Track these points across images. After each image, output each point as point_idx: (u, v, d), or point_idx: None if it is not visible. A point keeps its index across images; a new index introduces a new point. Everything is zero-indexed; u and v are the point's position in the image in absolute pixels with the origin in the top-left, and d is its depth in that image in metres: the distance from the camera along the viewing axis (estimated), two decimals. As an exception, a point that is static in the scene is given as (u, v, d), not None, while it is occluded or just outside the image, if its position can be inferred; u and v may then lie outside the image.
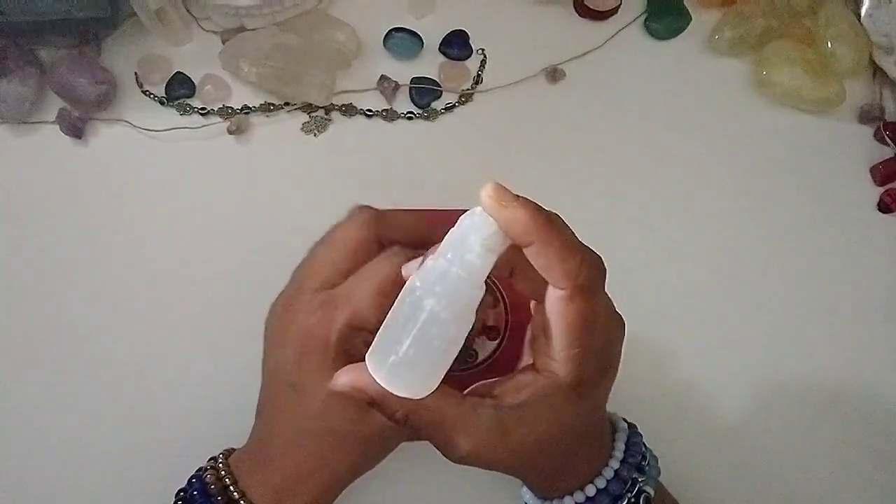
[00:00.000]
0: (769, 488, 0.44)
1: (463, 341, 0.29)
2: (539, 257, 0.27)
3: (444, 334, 0.28)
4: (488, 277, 0.44)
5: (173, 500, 0.33)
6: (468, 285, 0.27)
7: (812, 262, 0.48)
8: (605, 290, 0.30)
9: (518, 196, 0.27)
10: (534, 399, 0.30)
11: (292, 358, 0.33)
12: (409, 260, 0.31)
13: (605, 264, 0.32)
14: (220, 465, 0.34)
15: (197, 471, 0.34)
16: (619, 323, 0.32)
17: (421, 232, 0.34)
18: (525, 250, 0.28)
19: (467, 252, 0.27)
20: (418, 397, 0.29)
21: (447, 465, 0.43)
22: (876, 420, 0.45)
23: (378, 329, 0.30)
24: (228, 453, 0.35)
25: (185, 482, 0.34)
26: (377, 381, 0.28)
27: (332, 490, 0.34)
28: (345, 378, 0.30)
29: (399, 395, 0.28)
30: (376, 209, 0.34)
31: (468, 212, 0.28)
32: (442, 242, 0.28)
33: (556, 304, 0.28)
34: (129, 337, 0.44)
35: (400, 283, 0.30)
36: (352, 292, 0.32)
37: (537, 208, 0.27)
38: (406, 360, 0.28)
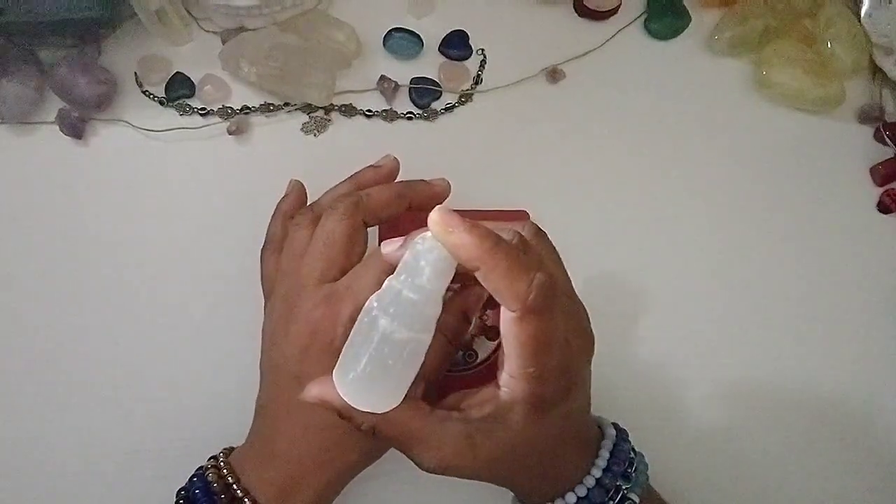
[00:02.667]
0: (765, 491, 0.44)
1: (423, 357, 0.29)
2: (487, 281, 0.27)
3: (398, 353, 0.28)
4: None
5: (174, 499, 0.33)
6: (421, 307, 0.28)
7: (812, 263, 0.48)
8: (562, 309, 0.30)
9: (466, 221, 0.27)
10: (497, 413, 0.30)
11: (298, 351, 0.33)
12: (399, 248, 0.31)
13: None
14: (222, 463, 0.34)
15: (198, 469, 0.34)
16: (583, 340, 0.32)
17: (400, 206, 0.35)
18: (476, 273, 0.28)
19: (418, 276, 0.28)
20: (381, 412, 0.29)
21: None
22: (876, 420, 0.45)
23: None
24: (228, 452, 0.35)
25: (186, 481, 0.34)
26: (341, 394, 0.29)
27: (334, 485, 0.34)
28: (314, 391, 0.30)
29: (361, 408, 0.29)
30: (354, 196, 0.34)
31: (420, 235, 0.28)
32: (400, 261, 0.29)
33: (508, 325, 0.28)
34: (129, 337, 0.44)
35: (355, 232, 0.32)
36: (354, 283, 0.33)
37: (485, 233, 0.27)
38: (364, 376, 0.28)
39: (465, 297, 0.34)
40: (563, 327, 0.30)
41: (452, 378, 0.43)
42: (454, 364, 0.43)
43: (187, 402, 0.43)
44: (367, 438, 0.32)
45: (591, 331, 0.33)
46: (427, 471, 0.31)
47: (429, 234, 0.28)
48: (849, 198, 0.50)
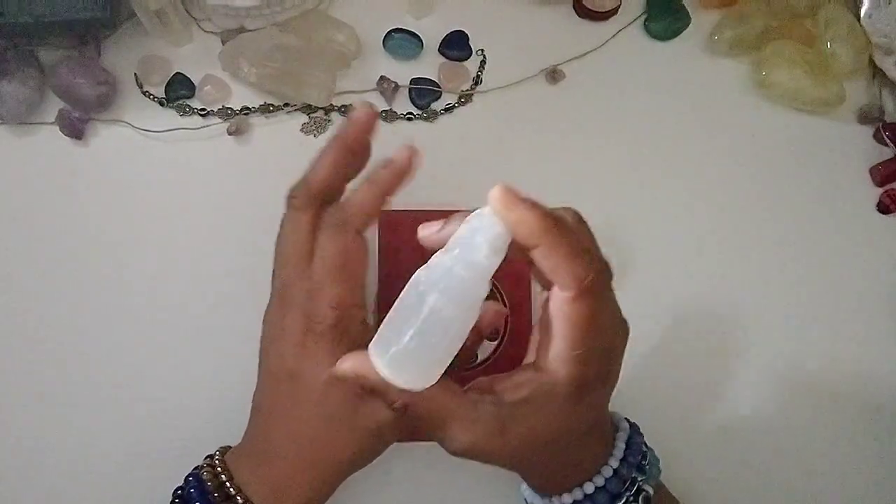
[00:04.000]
0: (771, 488, 0.44)
1: (465, 338, 0.29)
2: (546, 259, 0.27)
3: (445, 330, 0.28)
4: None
5: (171, 499, 0.33)
6: (472, 284, 0.28)
7: (811, 263, 0.48)
8: (612, 293, 0.30)
9: (526, 199, 0.27)
10: (532, 397, 0.30)
11: (292, 347, 0.33)
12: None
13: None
14: (217, 461, 0.34)
15: (194, 469, 0.34)
16: (623, 328, 0.32)
17: (346, 173, 0.35)
18: (532, 253, 0.28)
19: (473, 252, 0.27)
20: (418, 389, 0.29)
21: (445, 467, 0.43)
22: (876, 420, 0.45)
23: (359, 305, 0.32)
24: (225, 451, 0.35)
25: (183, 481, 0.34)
26: (378, 369, 0.29)
27: (328, 483, 0.34)
28: (347, 364, 0.30)
29: (398, 384, 0.29)
30: (305, 186, 0.34)
31: (477, 211, 0.28)
32: (451, 238, 0.28)
33: (561, 305, 0.28)
34: (129, 337, 0.44)
35: (351, 250, 0.32)
36: (321, 276, 0.33)
37: (545, 212, 0.27)
38: (407, 351, 0.28)
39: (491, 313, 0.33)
40: (610, 313, 0.30)
41: (452, 378, 0.43)
42: (454, 364, 0.43)
43: (187, 401, 0.43)
44: (361, 434, 0.32)
45: (626, 320, 0.33)
46: (453, 453, 0.31)
47: (486, 209, 0.27)
48: (849, 198, 0.50)
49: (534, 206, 0.27)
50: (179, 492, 0.33)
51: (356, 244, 0.33)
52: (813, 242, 0.48)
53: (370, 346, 0.29)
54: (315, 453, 0.33)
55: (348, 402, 0.32)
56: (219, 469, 0.33)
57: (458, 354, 0.31)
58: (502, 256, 0.28)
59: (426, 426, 0.31)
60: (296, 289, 0.33)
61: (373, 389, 0.29)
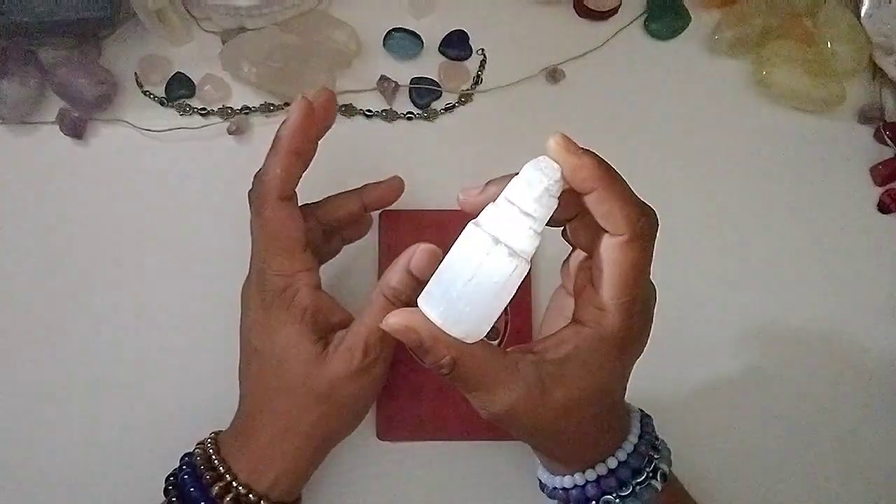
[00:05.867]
0: (773, 484, 0.44)
1: (514, 292, 0.29)
2: (602, 203, 0.28)
3: (501, 279, 0.28)
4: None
5: (164, 485, 0.35)
6: (529, 227, 0.28)
7: (812, 263, 0.48)
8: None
9: (581, 147, 0.28)
10: (577, 352, 0.30)
11: (251, 322, 0.35)
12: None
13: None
14: (209, 441, 0.35)
15: (185, 454, 0.36)
16: (653, 288, 0.32)
17: (354, 203, 0.38)
18: (586, 197, 0.28)
19: (532, 197, 0.28)
20: (470, 340, 0.29)
21: (445, 467, 0.43)
22: (877, 419, 0.45)
23: (305, 270, 0.34)
24: (217, 433, 0.37)
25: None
26: (432, 319, 0.29)
27: (304, 453, 0.35)
28: (396, 318, 0.29)
29: (453, 333, 0.29)
30: (260, 187, 0.35)
31: (533, 160, 0.29)
32: (504, 189, 0.29)
33: (612, 250, 0.29)
34: (129, 336, 0.44)
35: (275, 219, 0.34)
36: (259, 251, 0.36)
37: (600, 157, 0.28)
38: (464, 297, 0.28)
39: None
40: (650, 265, 0.30)
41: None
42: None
43: (188, 401, 0.43)
44: (319, 401, 0.33)
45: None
46: (492, 416, 0.31)
47: (542, 157, 0.28)
48: (849, 198, 0.50)
49: (588, 151, 0.28)
50: (172, 478, 0.35)
51: (281, 211, 0.34)
52: (813, 242, 0.48)
53: (420, 299, 0.29)
54: (283, 422, 0.34)
55: (300, 370, 0.33)
56: (209, 448, 0.35)
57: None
58: (555, 206, 0.28)
59: (467, 386, 0.30)
60: (251, 270, 0.36)
61: (421, 344, 0.29)
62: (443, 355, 0.29)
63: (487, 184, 0.30)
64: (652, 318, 0.32)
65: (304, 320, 0.34)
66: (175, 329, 0.44)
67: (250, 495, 0.33)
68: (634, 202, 0.29)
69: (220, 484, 0.33)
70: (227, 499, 0.33)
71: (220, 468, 0.34)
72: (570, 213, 0.31)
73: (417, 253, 0.33)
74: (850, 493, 0.44)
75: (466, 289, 0.28)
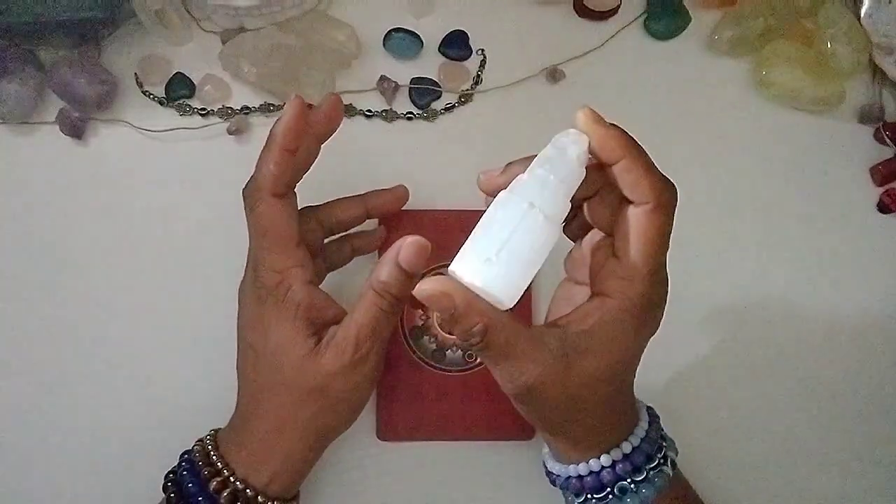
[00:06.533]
0: (772, 484, 0.44)
1: (545, 257, 0.29)
2: (628, 173, 0.30)
3: (536, 237, 0.29)
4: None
5: (163, 482, 0.35)
6: (563, 196, 0.29)
7: (811, 263, 0.48)
8: None
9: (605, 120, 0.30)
10: (601, 324, 0.31)
11: (247, 320, 0.36)
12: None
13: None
14: (208, 438, 0.36)
15: (184, 452, 0.36)
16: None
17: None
18: (614, 168, 0.30)
19: (564, 163, 0.29)
20: (506, 305, 0.29)
21: (445, 467, 0.43)
22: (877, 419, 0.45)
23: (298, 266, 0.34)
24: (217, 430, 0.37)
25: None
26: (468, 282, 0.29)
27: (300, 450, 0.35)
28: (430, 285, 0.29)
29: (491, 296, 0.29)
30: (252, 184, 0.35)
31: (562, 132, 0.30)
32: (535, 159, 0.30)
33: (638, 218, 0.30)
34: (129, 336, 0.44)
35: (268, 214, 0.34)
36: (254, 249, 0.36)
37: (625, 130, 0.30)
38: (501, 259, 0.28)
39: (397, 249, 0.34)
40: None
41: (452, 378, 0.43)
42: (454, 364, 0.43)
43: (189, 399, 0.43)
44: (311, 396, 0.34)
45: None
46: (518, 388, 0.31)
47: (572, 130, 0.30)
48: (849, 198, 0.50)
49: (613, 124, 0.30)
50: (172, 475, 0.35)
51: (274, 208, 0.35)
52: (813, 242, 0.48)
53: (453, 265, 0.29)
54: (278, 419, 0.35)
55: (294, 364, 0.34)
56: (208, 444, 0.35)
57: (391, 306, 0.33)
58: (583, 175, 0.30)
59: (496, 356, 0.31)
60: (247, 267, 0.36)
61: (455, 311, 0.29)
62: (475, 322, 0.29)
63: (508, 165, 0.32)
64: (666, 296, 0.33)
65: (298, 316, 0.34)
66: (175, 328, 0.44)
67: (248, 490, 0.33)
68: (658, 173, 0.30)
69: (218, 479, 0.34)
70: (225, 494, 0.33)
71: (218, 464, 0.34)
72: (590, 191, 0.32)
73: (405, 246, 0.33)
74: (850, 492, 0.44)
75: (503, 252, 0.28)
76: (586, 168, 0.30)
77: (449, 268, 0.30)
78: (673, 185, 0.31)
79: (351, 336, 0.34)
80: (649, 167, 0.30)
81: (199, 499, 0.33)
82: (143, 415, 0.43)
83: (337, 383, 0.34)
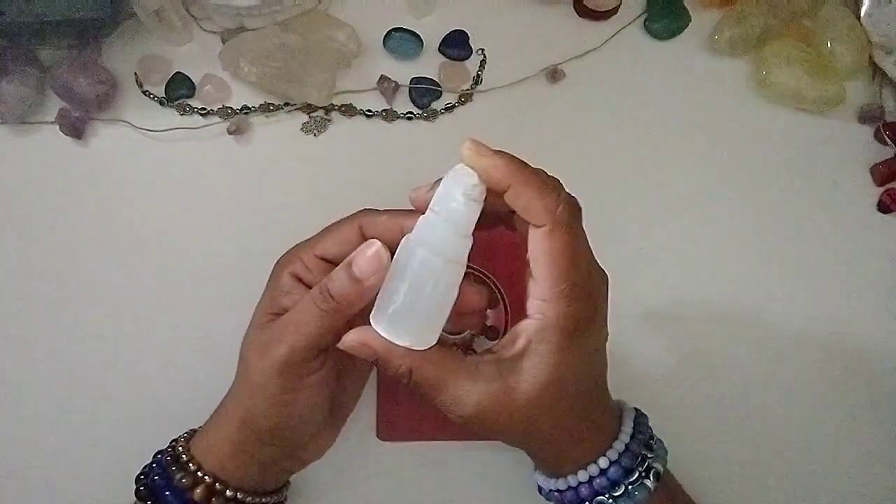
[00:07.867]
0: (770, 484, 0.44)
1: (455, 293, 0.30)
2: (519, 198, 0.30)
3: (435, 282, 0.29)
4: (489, 278, 0.44)
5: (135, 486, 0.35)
6: (454, 234, 0.30)
7: (812, 263, 0.48)
8: (584, 232, 0.31)
9: (494, 149, 0.30)
10: (529, 346, 0.31)
11: (249, 335, 0.35)
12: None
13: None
14: (181, 436, 0.36)
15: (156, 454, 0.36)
16: (602, 274, 0.33)
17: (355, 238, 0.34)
18: (505, 196, 0.30)
19: (452, 202, 0.29)
20: (418, 347, 0.30)
21: (444, 467, 0.43)
22: (877, 418, 0.45)
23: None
24: (192, 433, 0.37)
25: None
26: (379, 332, 0.30)
27: (233, 439, 0.34)
28: (351, 337, 0.30)
29: (400, 343, 0.30)
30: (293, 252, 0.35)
31: (451, 169, 0.30)
32: (431, 199, 0.30)
33: (539, 241, 0.30)
34: (129, 336, 0.44)
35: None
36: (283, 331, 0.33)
37: (512, 156, 0.30)
38: (404, 307, 0.29)
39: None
40: (585, 249, 0.31)
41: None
42: (461, 334, 0.43)
43: (188, 401, 0.43)
44: (243, 388, 0.33)
45: (604, 270, 0.33)
46: (462, 418, 0.31)
47: (459, 165, 0.30)
48: (849, 198, 0.50)
49: (500, 152, 0.30)
50: (143, 478, 0.35)
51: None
52: (813, 242, 0.48)
53: (372, 314, 0.30)
54: (226, 409, 0.35)
55: (253, 359, 0.33)
56: (180, 440, 0.35)
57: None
58: (480, 205, 0.30)
59: (431, 391, 0.31)
60: (254, 338, 0.35)
61: (377, 357, 0.30)
62: (398, 365, 0.30)
63: (436, 182, 0.31)
64: (602, 303, 0.32)
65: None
66: (175, 327, 0.44)
67: (206, 477, 0.33)
68: (550, 192, 0.30)
69: (177, 464, 0.34)
70: (180, 476, 0.33)
71: (184, 456, 0.34)
72: (506, 208, 0.31)
73: (357, 258, 0.31)
74: (850, 492, 0.44)
75: (405, 301, 0.29)
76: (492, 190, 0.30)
77: (370, 315, 0.30)
78: (569, 200, 0.30)
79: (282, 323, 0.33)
80: (539, 188, 0.29)
81: (167, 493, 0.33)
82: (143, 415, 0.43)
83: (273, 384, 0.33)
